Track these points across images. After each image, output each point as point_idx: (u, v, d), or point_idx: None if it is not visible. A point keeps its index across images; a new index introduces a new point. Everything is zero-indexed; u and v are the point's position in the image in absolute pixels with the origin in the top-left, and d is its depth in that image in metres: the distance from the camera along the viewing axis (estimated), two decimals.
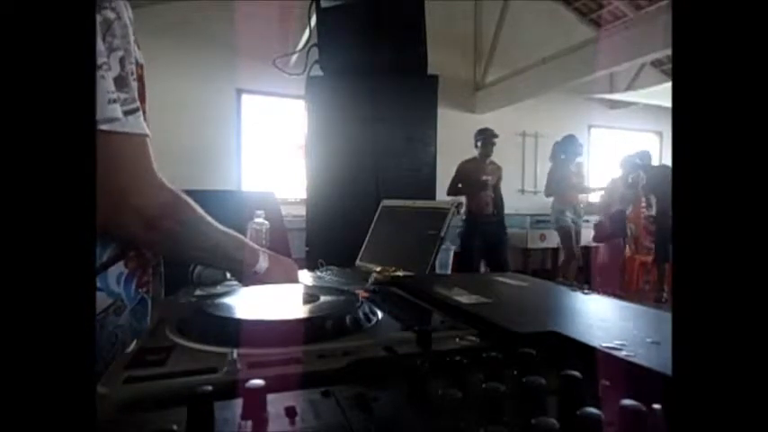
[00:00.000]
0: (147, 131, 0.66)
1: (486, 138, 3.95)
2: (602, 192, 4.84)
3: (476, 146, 4.00)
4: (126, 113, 0.61)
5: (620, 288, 4.43)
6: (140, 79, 0.71)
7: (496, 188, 4.06)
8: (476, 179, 3.91)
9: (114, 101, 0.59)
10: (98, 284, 0.66)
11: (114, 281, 0.69)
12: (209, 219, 0.74)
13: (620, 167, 4.58)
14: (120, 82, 0.62)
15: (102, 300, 0.67)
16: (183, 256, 0.78)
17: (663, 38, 3.53)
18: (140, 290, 0.74)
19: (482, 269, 3.99)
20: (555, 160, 4.34)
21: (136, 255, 0.71)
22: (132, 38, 0.66)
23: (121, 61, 0.63)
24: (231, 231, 0.78)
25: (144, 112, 0.74)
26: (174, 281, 0.87)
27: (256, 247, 0.80)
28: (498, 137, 4.00)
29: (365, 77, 1.99)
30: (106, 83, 0.58)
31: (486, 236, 3.93)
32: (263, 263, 0.78)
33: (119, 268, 0.69)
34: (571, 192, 4.31)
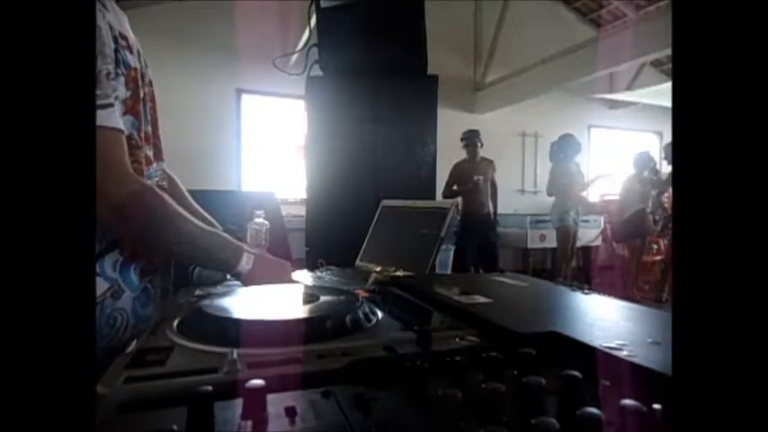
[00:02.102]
0: (120, 126, 0.68)
1: (466, 139, 4.11)
2: (619, 191, 4.76)
3: (463, 148, 4.16)
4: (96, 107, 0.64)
5: (636, 288, 4.39)
6: (134, 82, 0.74)
7: (492, 183, 4.17)
8: (468, 180, 4.02)
9: None
10: (96, 270, 0.69)
11: (111, 267, 0.72)
12: (189, 216, 0.74)
13: (634, 166, 4.48)
14: None
15: (99, 284, 0.70)
16: (158, 249, 0.78)
17: (663, 38, 3.53)
18: (145, 278, 0.76)
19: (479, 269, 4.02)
20: (555, 160, 4.32)
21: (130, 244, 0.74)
22: (111, 42, 0.68)
23: None
24: (215, 230, 0.79)
25: (139, 113, 0.75)
26: (174, 281, 0.88)
27: (244, 247, 0.80)
28: (477, 133, 4.12)
29: (365, 77, 1.99)
30: None
31: (480, 236, 4.00)
32: (245, 264, 0.77)
33: (115, 255, 0.72)
34: (575, 191, 4.29)
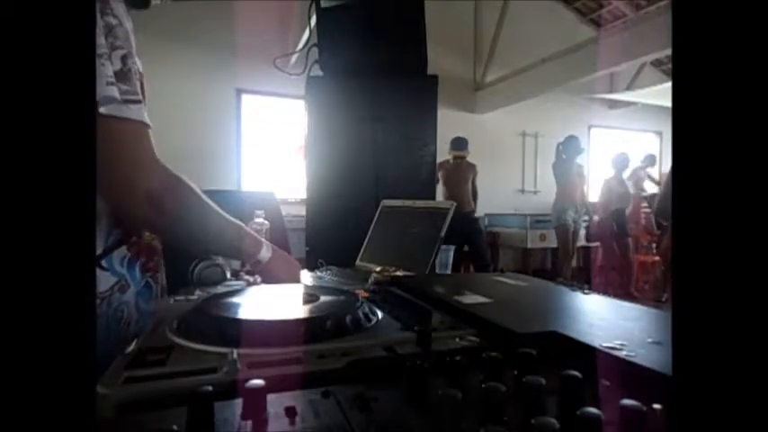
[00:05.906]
0: (149, 123, 0.69)
1: (457, 149, 4.34)
2: (599, 193, 4.87)
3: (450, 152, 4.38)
4: (127, 102, 0.65)
5: (620, 288, 4.44)
6: (142, 87, 0.75)
7: (473, 185, 4.34)
8: (451, 180, 4.26)
9: (112, 83, 0.63)
10: (104, 265, 0.71)
11: (118, 262, 0.73)
12: (214, 205, 0.76)
13: (612, 167, 4.63)
14: (122, 76, 0.66)
15: (107, 278, 0.71)
16: (190, 241, 0.80)
17: (663, 38, 3.53)
18: (146, 274, 0.78)
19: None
20: (558, 159, 4.39)
21: (137, 240, 0.76)
22: (134, 45, 0.70)
23: (123, 59, 0.66)
24: (234, 220, 0.81)
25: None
26: (174, 281, 0.88)
27: (259, 237, 0.83)
28: (466, 143, 4.31)
29: (365, 77, 1.99)
30: (105, 69, 0.63)
31: (464, 234, 4.08)
32: (265, 252, 0.81)
33: (122, 251, 0.74)
34: (572, 190, 4.33)
